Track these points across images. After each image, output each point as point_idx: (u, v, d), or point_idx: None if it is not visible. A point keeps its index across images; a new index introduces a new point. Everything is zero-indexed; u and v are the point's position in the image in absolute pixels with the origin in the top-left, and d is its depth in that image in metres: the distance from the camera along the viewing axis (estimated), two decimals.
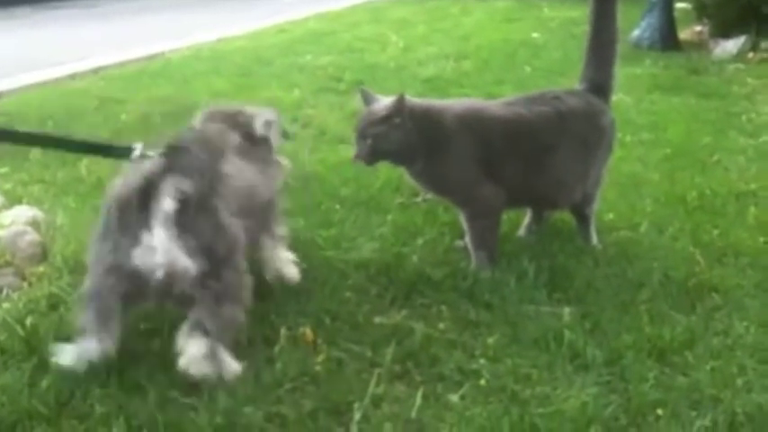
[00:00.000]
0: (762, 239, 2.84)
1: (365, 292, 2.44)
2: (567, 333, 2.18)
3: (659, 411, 1.89)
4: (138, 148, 2.11)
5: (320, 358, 2.08)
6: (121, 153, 2.15)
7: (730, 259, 2.70)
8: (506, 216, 2.92)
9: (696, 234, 2.87)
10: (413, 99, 2.59)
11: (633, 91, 5.00)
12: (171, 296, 1.95)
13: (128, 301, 1.99)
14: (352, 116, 4.42)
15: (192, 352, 1.93)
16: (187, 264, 1.89)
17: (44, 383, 1.94)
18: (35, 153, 3.64)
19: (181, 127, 2.27)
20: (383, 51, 6.76)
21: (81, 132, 4.13)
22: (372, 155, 2.52)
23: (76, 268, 2.42)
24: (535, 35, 7.48)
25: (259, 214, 2.30)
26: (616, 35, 2.78)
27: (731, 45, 6.48)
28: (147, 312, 2.20)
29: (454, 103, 2.77)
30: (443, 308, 2.36)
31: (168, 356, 2.05)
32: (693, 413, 1.90)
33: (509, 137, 2.58)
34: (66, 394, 1.92)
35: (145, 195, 1.85)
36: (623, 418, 1.88)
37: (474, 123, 2.58)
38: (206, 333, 1.93)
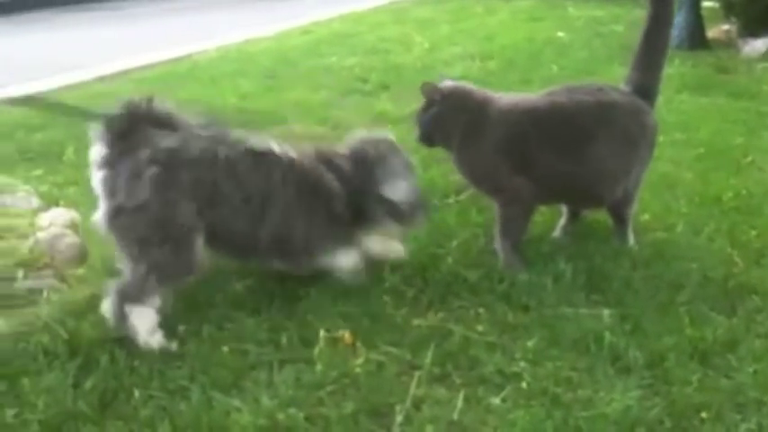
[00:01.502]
0: None
1: (402, 295, 2.44)
2: (607, 335, 2.16)
3: (703, 414, 1.88)
4: None
5: (360, 360, 2.08)
6: None
7: None
8: (542, 218, 2.92)
9: (733, 235, 2.84)
10: (464, 87, 2.72)
11: (662, 90, 4.84)
12: None
13: None
14: (380, 117, 4.44)
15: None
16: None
17: (88, 384, 1.96)
18: (68, 155, 3.67)
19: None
20: (408, 52, 6.74)
21: None
22: (419, 138, 2.74)
23: (115, 270, 2.44)
24: (560, 34, 7.43)
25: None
26: (668, 40, 2.79)
27: (760, 44, 6.41)
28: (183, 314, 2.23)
29: (505, 95, 2.77)
30: (481, 310, 2.36)
31: (208, 357, 2.08)
32: (738, 416, 1.89)
33: (546, 125, 2.59)
34: (109, 395, 1.94)
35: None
36: (667, 421, 1.87)
37: (510, 115, 2.61)
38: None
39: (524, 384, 1.99)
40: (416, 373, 2.05)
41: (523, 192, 2.61)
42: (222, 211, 2.27)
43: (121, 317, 2.16)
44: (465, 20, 8.56)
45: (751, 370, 2.06)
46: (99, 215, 2.23)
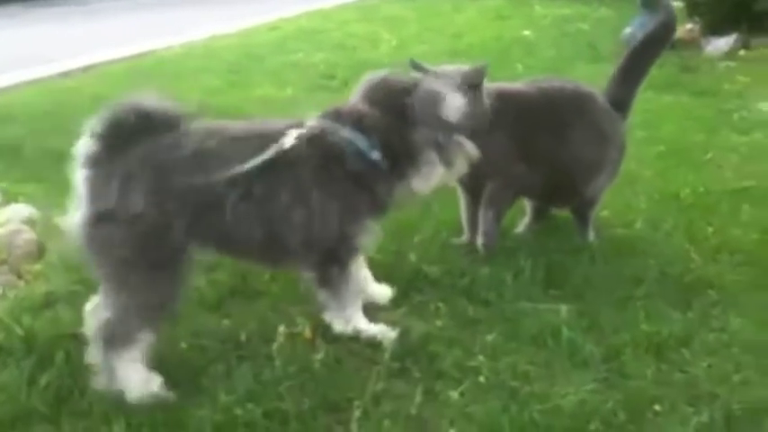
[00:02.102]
0: (756, 236, 2.86)
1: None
2: (564, 330, 2.19)
3: (657, 407, 1.91)
4: None
5: (319, 356, 2.08)
6: None
7: (725, 256, 2.71)
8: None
9: (691, 231, 2.89)
10: None
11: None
12: None
13: None
14: None
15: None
16: None
17: (43, 381, 1.94)
18: (29, 151, 3.62)
19: None
20: (375, 49, 6.75)
21: (73, 131, 4.13)
22: None
23: (72, 266, 2.41)
24: (527, 33, 7.48)
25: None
26: (654, 62, 2.88)
27: (722, 43, 6.50)
28: None
29: (505, 83, 2.79)
30: (441, 305, 2.37)
31: (166, 353, 2.06)
32: (691, 409, 1.92)
33: (534, 110, 2.66)
34: (65, 392, 1.92)
35: None
36: (622, 414, 1.89)
37: (507, 100, 2.63)
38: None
39: (482, 378, 2.01)
40: (375, 369, 2.05)
41: (522, 178, 2.67)
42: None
43: (109, 368, 1.89)
44: (433, 18, 8.58)
45: (705, 364, 2.09)
46: (77, 219, 1.90)
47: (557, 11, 8.76)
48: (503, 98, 2.59)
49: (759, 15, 6.51)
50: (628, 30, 6.96)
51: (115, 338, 1.88)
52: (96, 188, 1.89)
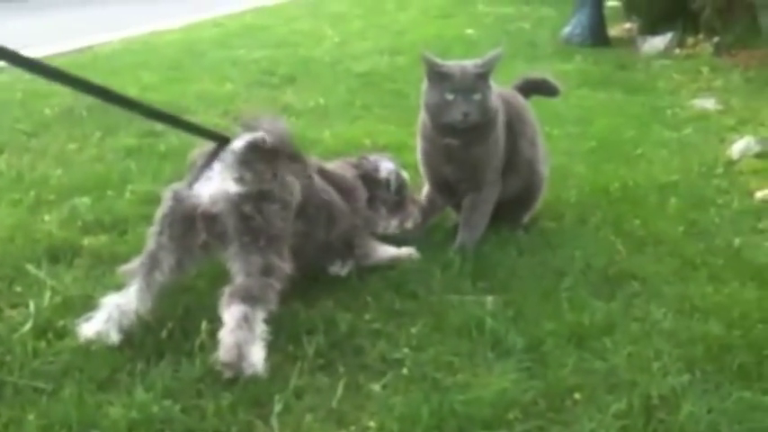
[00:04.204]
0: (681, 228, 2.92)
1: (292, 284, 2.41)
2: (489, 321, 2.20)
3: (577, 396, 1.93)
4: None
5: None
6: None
7: (650, 248, 2.77)
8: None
9: (618, 224, 2.94)
10: None
11: (563, 86, 5.07)
12: (213, 225, 2.10)
13: (180, 240, 2.13)
14: (285, 110, 4.41)
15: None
16: (229, 185, 2.08)
17: None
18: None
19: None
20: (318, 46, 6.73)
21: (3, 126, 4.03)
22: None
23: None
24: (469, 31, 7.54)
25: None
26: None
27: (658, 41, 6.65)
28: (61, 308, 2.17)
29: None
30: (369, 299, 2.36)
31: (84, 352, 2.01)
32: (610, 397, 1.94)
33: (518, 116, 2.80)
34: None
35: (214, 154, 2.15)
36: (542, 402, 1.90)
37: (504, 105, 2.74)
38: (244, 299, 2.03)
39: (405, 370, 2.00)
40: (299, 363, 2.03)
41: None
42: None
43: (249, 328, 2.00)
44: (377, 15, 8.60)
45: (626, 352, 2.12)
46: (223, 191, 2.09)
47: (499, 10, 8.85)
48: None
49: (694, 15, 6.67)
50: (566, 29, 7.08)
51: (255, 297, 2.06)
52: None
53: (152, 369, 1.96)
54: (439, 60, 2.60)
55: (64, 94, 4.72)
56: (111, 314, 2.07)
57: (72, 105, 4.40)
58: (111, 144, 3.78)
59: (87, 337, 2.05)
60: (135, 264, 2.17)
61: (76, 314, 2.16)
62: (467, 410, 1.84)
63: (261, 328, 2.02)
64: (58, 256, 2.52)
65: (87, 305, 2.19)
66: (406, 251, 2.63)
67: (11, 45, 1.74)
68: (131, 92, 4.80)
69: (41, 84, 5.08)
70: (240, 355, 1.94)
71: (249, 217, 2.08)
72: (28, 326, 2.11)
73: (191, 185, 2.14)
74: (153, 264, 2.13)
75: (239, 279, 2.08)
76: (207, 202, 2.09)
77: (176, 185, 2.19)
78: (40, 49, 6.31)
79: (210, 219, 2.10)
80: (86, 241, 2.61)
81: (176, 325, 2.14)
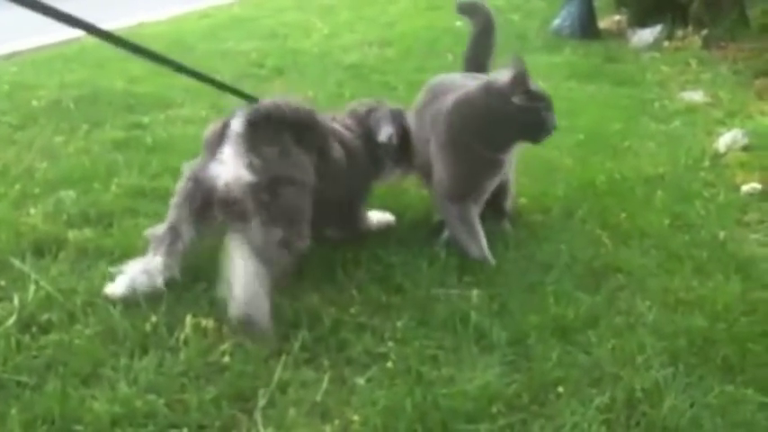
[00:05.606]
0: (666, 222, 2.93)
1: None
2: (473, 315, 2.21)
3: (560, 389, 1.94)
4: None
5: (226, 346, 2.05)
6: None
7: (635, 241, 2.77)
8: (423, 203, 2.95)
9: (604, 217, 2.94)
10: None
11: (551, 78, 5.07)
12: (230, 208, 2.21)
13: (199, 215, 2.28)
14: None
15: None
16: (242, 173, 2.18)
17: None
18: None
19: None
20: (307, 37, 6.70)
21: None
22: None
23: None
24: (458, 23, 7.46)
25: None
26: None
27: (647, 34, 6.64)
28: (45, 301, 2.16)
29: None
30: (354, 292, 2.36)
31: (68, 345, 2.01)
32: (593, 390, 1.95)
33: None
34: None
35: (225, 130, 2.25)
36: (525, 395, 1.91)
37: None
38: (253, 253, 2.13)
39: (390, 364, 2.01)
40: (284, 357, 2.03)
41: None
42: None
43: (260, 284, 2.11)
44: (367, 7, 8.56)
45: (609, 346, 2.13)
46: (237, 178, 2.19)
47: (490, 2, 8.76)
48: None
49: (683, 7, 6.68)
50: (556, 21, 7.07)
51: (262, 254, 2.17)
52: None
53: (135, 363, 1.96)
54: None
55: (51, 86, 4.71)
56: (136, 279, 2.23)
57: (59, 98, 4.37)
58: (98, 137, 3.74)
59: (113, 296, 2.20)
60: (159, 230, 2.31)
61: (61, 308, 2.16)
62: (450, 404, 1.84)
63: (268, 288, 2.13)
64: (42, 249, 2.50)
65: (71, 300, 2.18)
66: (388, 216, 2.79)
67: None
68: (118, 84, 4.81)
69: (29, 76, 5.08)
70: (253, 308, 2.07)
71: (267, 203, 2.18)
72: (12, 320, 2.10)
73: (206, 165, 2.26)
74: (175, 236, 2.28)
75: (258, 242, 2.15)
76: (223, 190, 2.21)
77: (194, 163, 2.33)
78: (27, 40, 6.28)
79: (228, 203, 2.21)
80: (71, 235, 2.59)
81: (160, 319, 2.13)
